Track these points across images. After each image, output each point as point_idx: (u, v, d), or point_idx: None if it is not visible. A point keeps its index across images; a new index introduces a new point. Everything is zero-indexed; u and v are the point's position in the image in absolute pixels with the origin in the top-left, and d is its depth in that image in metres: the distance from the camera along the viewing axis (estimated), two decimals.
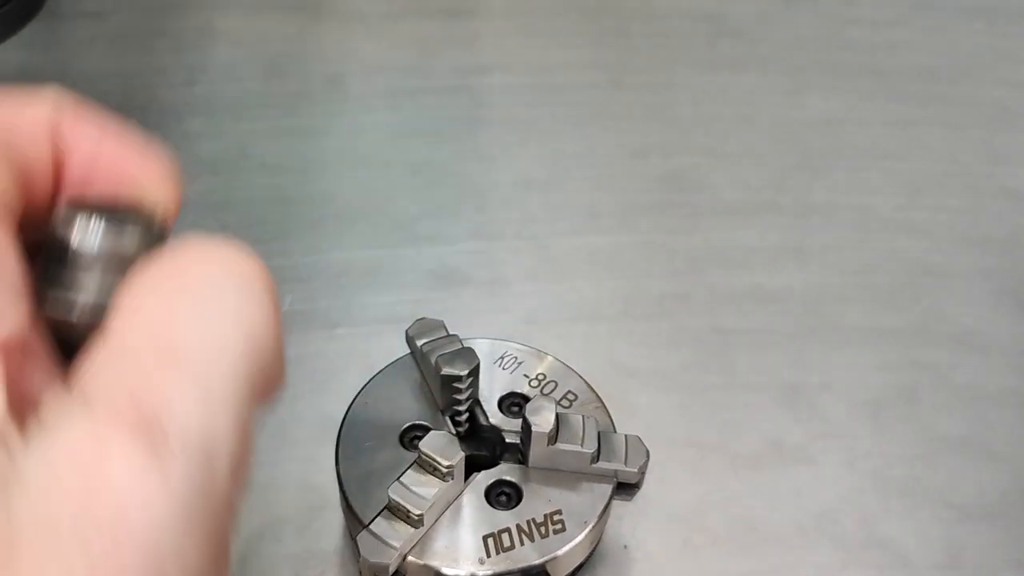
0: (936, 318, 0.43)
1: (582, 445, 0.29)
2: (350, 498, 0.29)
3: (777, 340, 0.41)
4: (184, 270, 0.17)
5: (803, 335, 0.42)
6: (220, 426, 0.15)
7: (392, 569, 0.27)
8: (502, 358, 0.34)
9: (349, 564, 0.32)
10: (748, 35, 0.60)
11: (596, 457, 0.30)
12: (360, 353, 0.40)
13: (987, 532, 0.35)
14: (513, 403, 0.33)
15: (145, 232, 0.17)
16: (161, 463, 0.14)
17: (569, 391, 0.33)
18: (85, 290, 0.17)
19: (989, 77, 0.58)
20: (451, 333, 0.33)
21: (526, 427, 0.29)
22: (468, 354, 0.31)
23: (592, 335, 0.41)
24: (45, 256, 0.17)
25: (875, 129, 0.54)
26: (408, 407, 0.32)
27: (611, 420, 0.32)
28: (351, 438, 0.31)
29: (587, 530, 0.29)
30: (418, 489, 0.28)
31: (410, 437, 0.32)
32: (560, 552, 0.29)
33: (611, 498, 0.30)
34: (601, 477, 0.30)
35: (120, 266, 0.17)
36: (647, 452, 0.30)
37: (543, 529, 0.29)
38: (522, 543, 0.29)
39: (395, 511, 0.28)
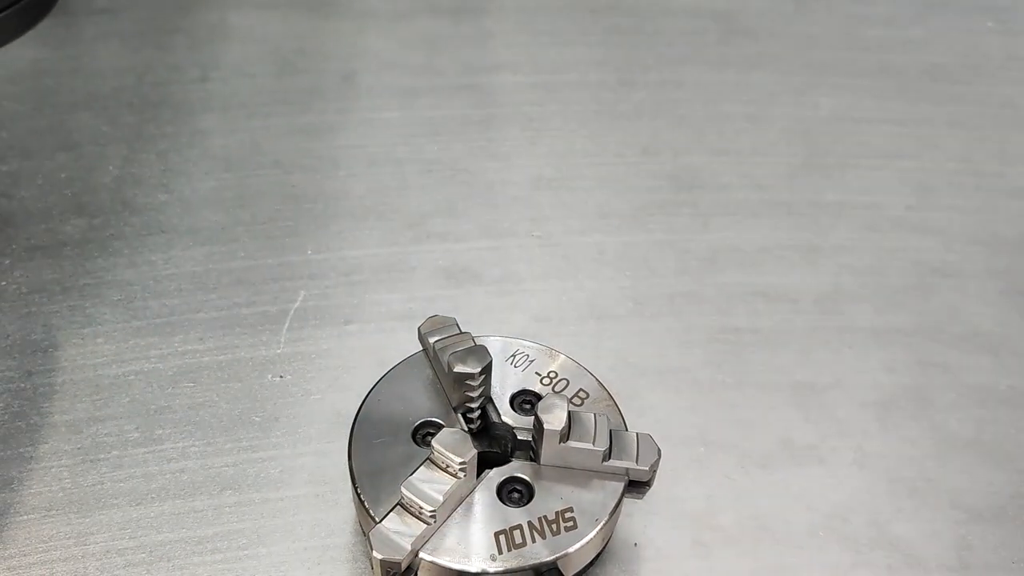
0: (947, 318, 0.43)
1: (594, 443, 0.30)
2: (362, 494, 0.30)
3: (788, 339, 0.41)
4: None
5: (814, 334, 0.42)
6: None
7: (404, 566, 0.27)
8: (514, 356, 0.34)
9: (361, 560, 0.33)
10: (759, 33, 0.60)
11: (608, 455, 0.30)
12: (372, 350, 0.40)
13: (997, 533, 0.35)
14: (525, 401, 0.33)
15: None
16: None
17: (581, 389, 0.33)
18: None
19: (1001, 76, 0.58)
20: (463, 331, 0.33)
21: (538, 425, 0.30)
22: (480, 352, 0.31)
23: (603, 333, 0.41)
24: None
25: (886, 128, 0.54)
26: (420, 404, 0.33)
27: (622, 418, 0.32)
28: (363, 434, 0.31)
29: (598, 528, 0.29)
30: (430, 486, 0.28)
31: (423, 434, 0.32)
32: (571, 549, 0.29)
33: (622, 496, 0.30)
34: (612, 475, 0.30)
35: None
36: (659, 451, 0.30)
37: (554, 526, 0.29)
38: (533, 540, 0.29)
39: (407, 508, 0.28)
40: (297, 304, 0.41)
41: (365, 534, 0.30)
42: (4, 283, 0.42)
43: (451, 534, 0.29)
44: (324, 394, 0.38)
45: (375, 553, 0.27)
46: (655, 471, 0.30)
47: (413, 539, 0.27)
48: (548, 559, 0.29)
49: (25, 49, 0.56)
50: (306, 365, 0.39)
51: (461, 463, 0.28)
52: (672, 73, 0.57)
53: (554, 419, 0.29)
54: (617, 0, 0.63)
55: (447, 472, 0.28)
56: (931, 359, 0.41)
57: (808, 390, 0.39)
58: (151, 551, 0.33)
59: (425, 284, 0.43)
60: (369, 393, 0.33)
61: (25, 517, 0.33)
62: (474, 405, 0.32)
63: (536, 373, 0.33)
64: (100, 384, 0.38)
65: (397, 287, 0.42)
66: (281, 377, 0.38)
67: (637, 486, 0.31)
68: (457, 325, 0.33)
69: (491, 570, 0.28)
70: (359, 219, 0.46)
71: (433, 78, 0.55)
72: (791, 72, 0.57)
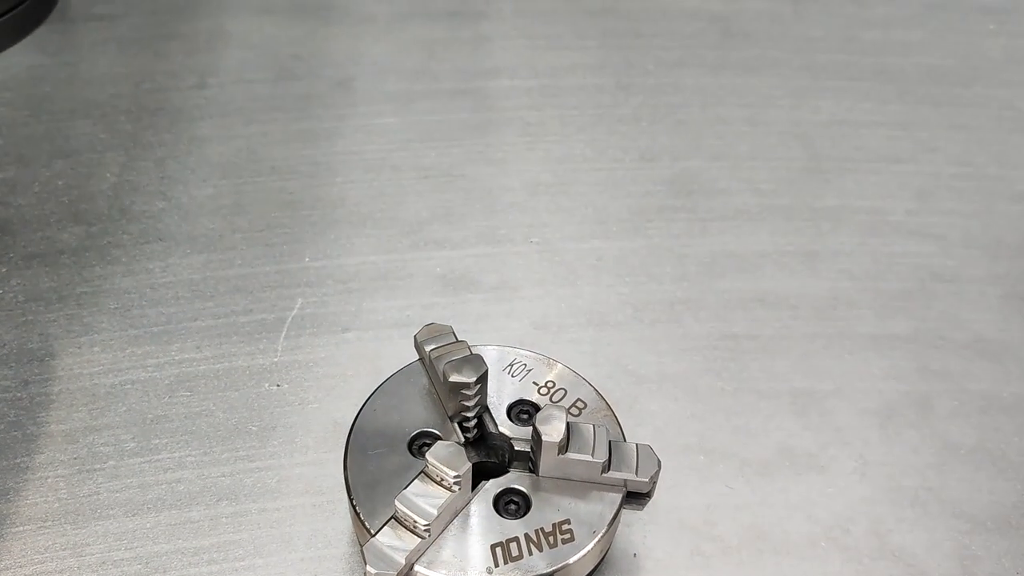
0: (948, 324, 0.42)
1: (593, 455, 0.29)
2: (358, 506, 0.29)
3: (788, 346, 0.41)
4: None
5: (813, 341, 0.41)
6: None
7: None
8: (511, 365, 0.34)
9: (358, 571, 0.32)
10: (757, 37, 0.60)
11: (607, 467, 0.30)
12: (369, 358, 0.40)
13: (1001, 543, 0.35)
14: (522, 411, 0.33)
15: None
16: None
17: (579, 399, 0.33)
18: None
19: (1001, 79, 0.58)
20: (459, 339, 0.33)
21: (536, 436, 0.29)
22: (476, 361, 0.31)
23: (601, 341, 0.41)
24: None
25: (885, 132, 0.53)
26: (417, 414, 0.32)
27: (621, 428, 0.32)
28: (359, 445, 0.31)
29: (596, 539, 0.29)
30: (425, 500, 0.28)
31: (419, 444, 0.32)
32: (569, 561, 0.29)
33: (621, 507, 0.30)
34: (611, 486, 0.30)
35: None
36: (658, 462, 0.30)
37: (552, 538, 0.29)
38: (530, 552, 0.29)
39: (401, 521, 0.28)
40: (294, 312, 0.41)
41: (361, 546, 0.29)
42: (1, 292, 0.41)
43: (447, 547, 0.29)
44: (321, 403, 0.38)
45: (369, 568, 0.27)
46: (655, 482, 0.30)
47: (407, 553, 0.27)
48: (546, 571, 0.28)
49: (22, 56, 0.56)
50: (303, 374, 0.39)
51: (455, 476, 0.28)
52: (670, 77, 0.56)
53: (552, 430, 0.29)
54: (614, 4, 0.63)
55: (442, 485, 0.28)
56: (932, 366, 0.41)
57: (808, 397, 0.39)
58: (147, 562, 0.32)
59: (422, 291, 0.43)
60: (365, 403, 0.33)
61: (20, 528, 0.33)
62: (470, 415, 0.31)
63: (533, 383, 0.33)
64: (96, 393, 0.37)
65: (394, 294, 0.42)
66: (278, 386, 0.38)
67: (636, 497, 0.31)
68: (453, 333, 0.33)
69: None
70: (356, 226, 0.46)
71: (430, 83, 0.55)
72: (789, 75, 0.57)
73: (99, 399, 0.37)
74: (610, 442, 0.30)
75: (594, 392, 0.33)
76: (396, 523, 0.28)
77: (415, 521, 0.27)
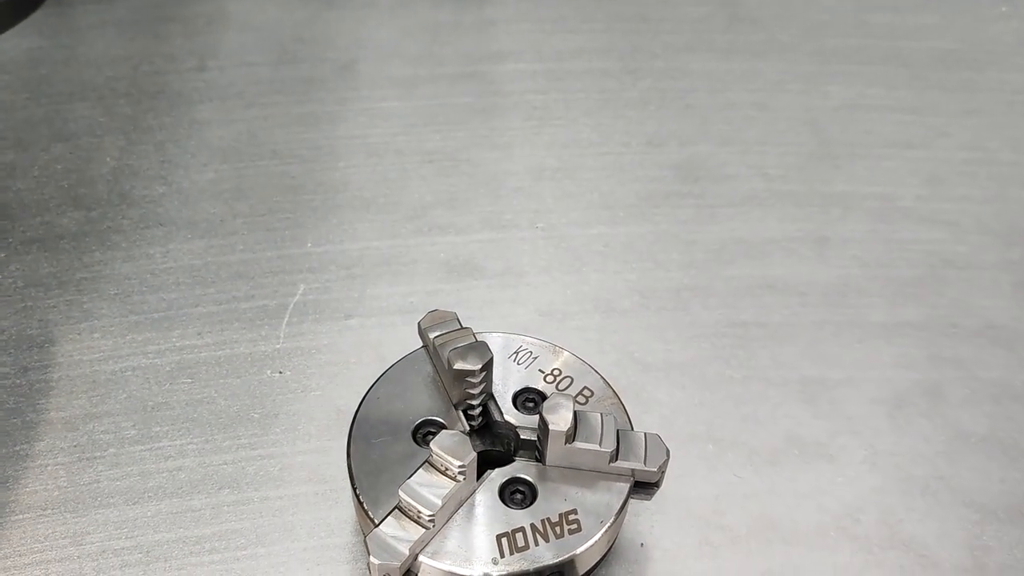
0: (960, 312, 0.42)
1: (600, 444, 0.29)
2: (361, 496, 0.29)
3: (797, 333, 0.40)
4: None
5: (823, 328, 0.41)
6: None
7: (402, 571, 0.27)
8: (516, 352, 0.33)
9: (362, 560, 0.32)
10: (766, 20, 0.59)
11: (615, 456, 0.29)
12: (373, 344, 0.39)
13: (1013, 532, 0.34)
14: (528, 399, 0.32)
15: None
16: None
17: (585, 387, 0.32)
18: None
19: (1014, 62, 0.57)
20: (464, 326, 0.32)
21: (543, 425, 0.29)
22: (481, 348, 0.30)
23: (608, 328, 0.40)
24: None
25: (896, 117, 0.53)
26: (421, 402, 0.32)
27: (628, 417, 0.32)
28: (363, 434, 0.31)
29: (603, 530, 0.29)
30: (429, 490, 0.27)
31: (423, 433, 0.31)
32: (576, 552, 0.28)
33: (628, 497, 0.30)
34: (619, 476, 0.30)
35: None
36: (667, 451, 0.29)
37: (558, 529, 0.29)
38: (537, 543, 0.28)
39: (406, 512, 0.27)
40: (296, 298, 0.41)
41: (364, 535, 0.29)
42: (0, 277, 0.41)
43: (452, 537, 0.28)
44: (324, 390, 0.37)
45: (372, 559, 0.26)
46: (663, 472, 0.30)
47: (411, 544, 0.27)
48: (552, 562, 0.28)
49: (20, 39, 0.55)
50: (306, 360, 0.38)
51: (460, 466, 0.27)
52: (678, 61, 0.56)
53: (560, 419, 0.29)
54: None
55: (446, 475, 0.27)
56: (943, 354, 0.40)
57: (818, 386, 0.38)
58: (148, 551, 0.32)
59: (426, 277, 0.42)
60: (369, 391, 0.32)
61: (20, 516, 0.33)
62: (475, 403, 0.31)
63: (539, 370, 0.33)
64: (97, 380, 0.37)
65: (398, 280, 0.42)
66: (280, 373, 0.38)
67: (644, 487, 0.30)
68: (458, 320, 0.33)
69: (494, 574, 0.27)
70: (359, 211, 0.45)
71: (434, 67, 0.54)
72: (799, 60, 0.56)
73: (99, 386, 0.37)
74: (618, 431, 0.30)
75: (601, 380, 0.33)
76: (400, 513, 0.28)
77: (419, 511, 0.27)
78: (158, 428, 0.35)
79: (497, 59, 0.55)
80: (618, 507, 0.29)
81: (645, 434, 0.30)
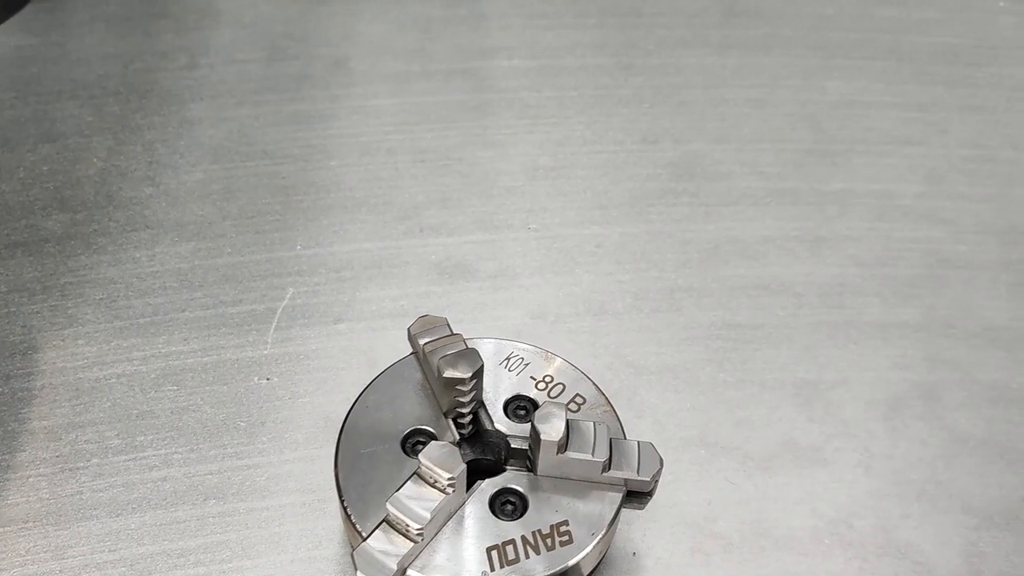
0: (958, 312, 0.41)
1: (593, 454, 0.28)
2: (349, 508, 0.28)
3: (792, 335, 0.40)
4: None
5: (819, 330, 0.40)
6: None
7: None
8: (508, 359, 0.33)
9: (349, 572, 0.32)
10: (762, 14, 0.59)
11: (607, 466, 0.29)
12: (362, 350, 0.38)
13: (1010, 539, 0.34)
14: (519, 407, 0.32)
15: None
16: None
17: (577, 394, 0.32)
18: None
19: (1015, 58, 0.56)
20: (454, 332, 0.32)
21: (535, 435, 0.28)
22: (472, 355, 0.30)
23: (600, 330, 0.40)
24: None
25: (895, 113, 0.52)
26: (410, 410, 0.31)
27: (620, 425, 0.31)
28: (351, 444, 0.30)
29: (596, 541, 0.28)
30: (418, 503, 0.27)
31: (412, 443, 0.31)
32: (568, 564, 0.28)
33: (621, 507, 0.29)
34: (611, 485, 0.29)
35: None
36: (660, 460, 0.29)
37: (550, 540, 0.28)
38: (527, 555, 0.28)
39: (394, 525, 0.27)
40: (285, 302, 0.40)
41: (352, 548, 0.28)
42: None
43: (441, 550, 0.28)
44: (312, 397, 0.37)
45: (359, 574, 0.26)
46: (657, 481, 0.29)
47: (399, 558, 0.26)
48: (544, 575, 0.27)
49: (7, 36, 0.54)
50: (294, 366, 0.38)
51: (450, 479, 0.27)
52: (672, 56, 0.55)
53: (552, 429, 0.28)
54: None
55: (435, 487, 0.27)
56: (941, 355, 0.40)
57: (812, 389, 0.38)
58: (132, 564, 0.32)
59: (418, 280, 0.41)
60: (357, 399, 0.32)
61: (0, 530, 0.32)
62: (465, 411, 0.30)
63: (531, 377, 0.32)
64: (80, 388, 0.36)
65: (389, 283, 0.41)
66: (268, 379, 0.37)
67: (637, 496, 0.30)
68: (448, 326, 0.32)
69: None
70: (350, 212, 0.44)
71: (426, 63, 0.53)
72: (796, 55, 0.56)
73: (83, 394, 0.36)
74: (611, 440, 0.29)
75: (593, 387, 0.32)
76: (388, 526, 0.27)
77: (408, 525, 0.26)
78: (143, 437, 0.35)
79: (490, 55, 0.54)
80: (610, 518, 0.29)
81: (639, 443, 0.29)
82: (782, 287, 0.42)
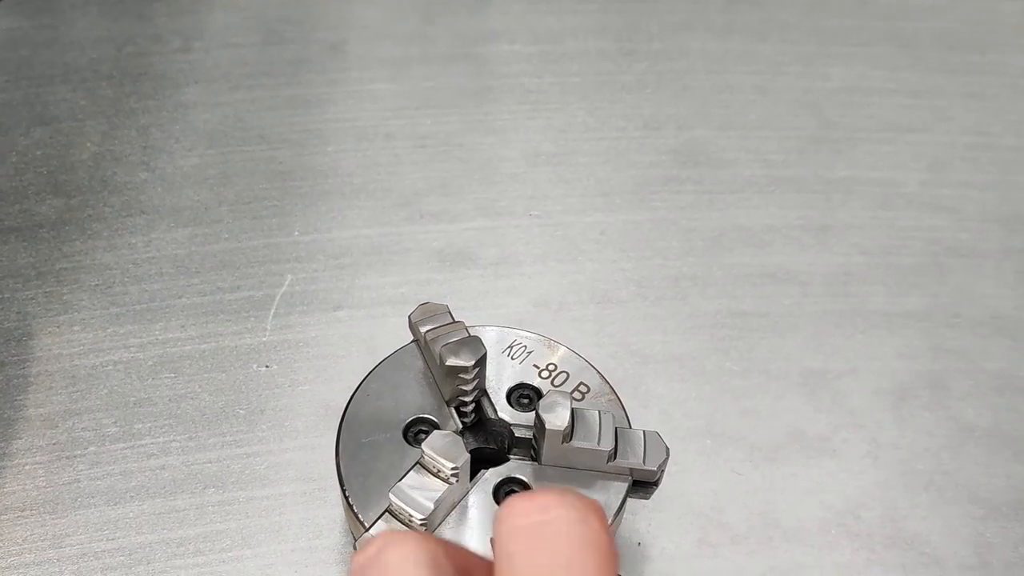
0: (963, 301, 0.41)
1: (599, 443, 0.28)
2: (351, 498, 0.28)
3: (798, 324, 0.40)
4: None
5: (824, 319, 0.40)
6: None
7: None
8: (511, 347, 0.32)
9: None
10: (766, 0, 0.58)
11: (613, 455, 0.28)
12: (362, 337, 0.38)
13: (1017, 529, 0.33)
14: (523, 395, 0.31)
15: None
16: None
17: (581, 383, 0.31)
18: None
19: (1018, 44, 0.56)
20: (456, 319, 0.31)
21: (539, 424, 0.28)
22: (474, 343, 0.29)
23: (604, 319, 0.39)
24: None
25: (898, 100, 0.51)
26: (412, 399, 0.31)
27: (626, 414, 0.31)
28: (352, 433, 0.30)
29: None
30: (421, 493, 0.26)
31: (414, 432, 0.30)
32: None
33: (626, 497, 0.29)
34: (617, 475, 0.29)
35: None
36: (667, 449, 0.29)
37: None
38: None
39: (396, 515, 0.26)
40: (284, 289, 0.39)
41: (354, 538, 0.28)
42: None
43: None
44: (312, 385, 0.36)
45: None
46: (663, 471, 0.29)
47: None
48: None
49: (1, 19, 0.53)
50: (293, 354, 0.37)
51: (453, 468, 0.26)
52: (675, 42, 0.54)
53: (557, 418, 0.28)
54: None
55: (438, 477, 0.26)
56: (946, 344, 0.39)
57: (819, 378, 0.38)
58: (130, 553, 0.31)
59: (418, 267, 0.41)
60: (358, 388, 0.31)
61: None
62: (468, 399, 0.30)
63: (534, 365, 0.32)
64: (77, 375, 0.36)
65: (389, 270, 0.41)
66: (267, 367, 0.37)
67: (643, 486, 0.29)
68: (450, 313, 0.32)
69: None
70: (348, 198, 0.44)
71: (426, 47, 0.53)
72: (799, 40, 0.55)
73: (79, 381, 0.36)
74: (616, 429, 0.29)
75: (598, 375, 0.32)
76: (390, 516, 0.27)
77: (411, 515, 0.26)
78: (140, 425, 0.34)
79: (491, 39, 0.53)
80: (616, 507, 0.28)
81: (644, 432, 0.29)
82: (787, 276, 0.42)
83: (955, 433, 0.36)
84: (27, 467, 0.33)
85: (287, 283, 0.40)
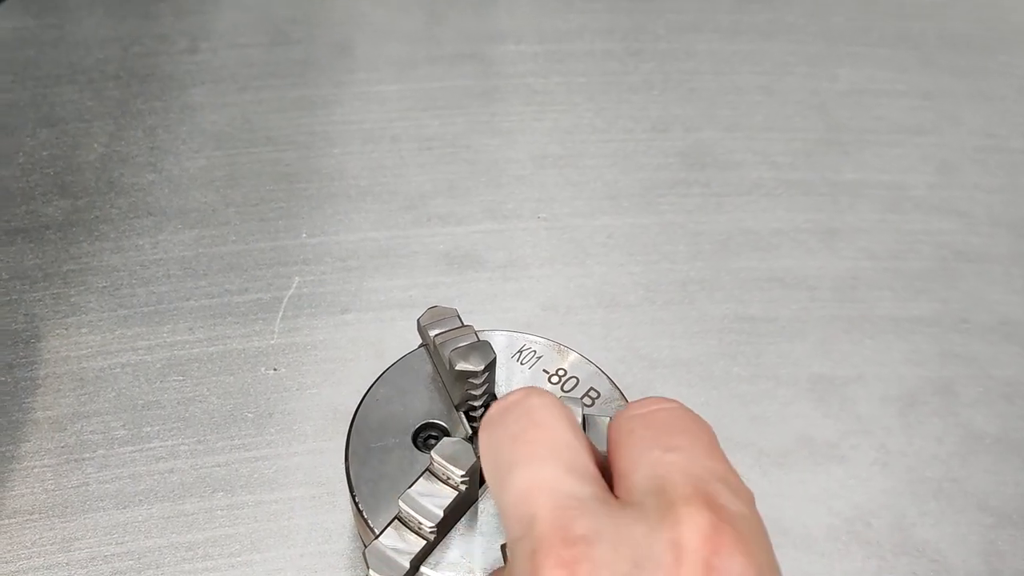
0: (972, 306, 0.41)
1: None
2: (361, 504, 0.28)
3: (806, 329, 0.39)
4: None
5: (833, 324, 0.40)
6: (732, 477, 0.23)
7: None
8: (520, 352, 0.32)
9: (359, 566, 0.31)
10: (774, 0, 0.58)
11: None
12: (371, 340, 0.38)
13: None
14: None
15: None
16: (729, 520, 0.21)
17: (591, 388, 0.31)
18: None
19: None
20: (465, 323, 0.31)
21: None
22: (484, 348, 0.29)
23: (612, 323, 0.39)
24: None
25: (906, 101, 0.51)
26: (421, 404, 0.31)
27: None
28: (362, 438, 0.30)
29: None
30: (430, 500, 0.26)
31: (424, 437, 0.30)
32: None
33: None
34: None
35: None
36: None
37: None
38: None
39: (406, 523, 0.26)
40: (291, 291, 0.39)
41: (364, 544, 0.28)
42: None
43: (454, 547, 0.27)
44: (320, 388, 0.36)
45: (372, 572, 0.25)
46: None
47: (412, 556, 0.26)
48: None
49: (5, 17, 0.53)
50: (301, 357, 0.37)
51: (463, 476, 0.26)
52: (682, 42, 0.54)
53: None
54: None
55: (448, 484, 0.26)
56: (955, 350, 0.39)
57: (827, 384, 0.38)
58: (139, 557, 0.31)
59: (426, 270, 0.41)
60: (367, 392, 0.31)
61: (6, 521, 0.32)
62: (477, 404, 0.30)
63: (544, 370, 0.32)
64: (85, 378, 0.36)
65: (396, 273, 0.41)
66: (275, 370, 0.37)
67: None
68: (459, 317, 0.31)
69: None
70: (355, 200, 0.44)
71: (432, 48, 0.53)
72: (806, 41, 0.55)
73: (87, 384, 0.36)
74: None
75: (608, 381, 0.31)
76: (400, 523, 0.27)
77: (420, 522, 0.26)
78: (149, 428, 0.34)
79: (497, 40, 0.53)
80: None
81: None
82: (795, 280, 0.41)
83: (964, 440, 0.36)
84: (35, 470, 0.33)
85: (295, 286, 0.40)
